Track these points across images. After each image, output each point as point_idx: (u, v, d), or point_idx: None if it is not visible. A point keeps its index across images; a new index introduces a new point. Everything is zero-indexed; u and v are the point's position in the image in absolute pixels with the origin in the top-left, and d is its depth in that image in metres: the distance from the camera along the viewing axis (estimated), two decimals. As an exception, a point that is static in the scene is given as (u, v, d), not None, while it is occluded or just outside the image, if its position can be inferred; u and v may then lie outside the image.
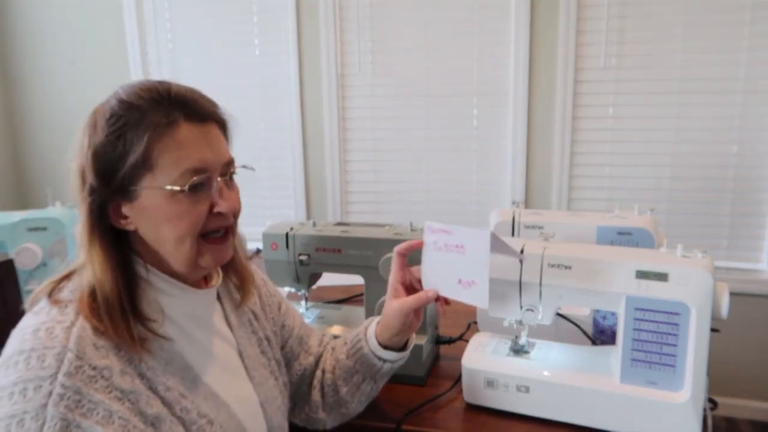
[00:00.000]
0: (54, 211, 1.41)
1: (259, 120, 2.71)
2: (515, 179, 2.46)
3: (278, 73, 2.64)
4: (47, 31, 2.85)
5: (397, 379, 1.07)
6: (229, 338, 0.82)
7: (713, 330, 0.85)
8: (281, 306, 0.96)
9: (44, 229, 1.36)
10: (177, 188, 0.68)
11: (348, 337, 0.95)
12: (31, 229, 1.36)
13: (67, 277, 0.72)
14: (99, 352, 0.63)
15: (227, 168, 0.75)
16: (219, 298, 0.84)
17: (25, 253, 1.34)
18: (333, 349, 0.97)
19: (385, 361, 0.89)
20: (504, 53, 2.40)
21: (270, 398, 0.84)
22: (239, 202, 0.77)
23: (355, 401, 0.92)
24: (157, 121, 0.67)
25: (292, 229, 1.15)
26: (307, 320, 1.20)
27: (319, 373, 0.95)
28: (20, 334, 0.64)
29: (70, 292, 0.69)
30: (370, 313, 1.10)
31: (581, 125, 2.37)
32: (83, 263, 0.70)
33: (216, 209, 0.72)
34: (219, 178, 0.72)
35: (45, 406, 0.58)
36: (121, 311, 0.67)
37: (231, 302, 0.85)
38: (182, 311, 0.75)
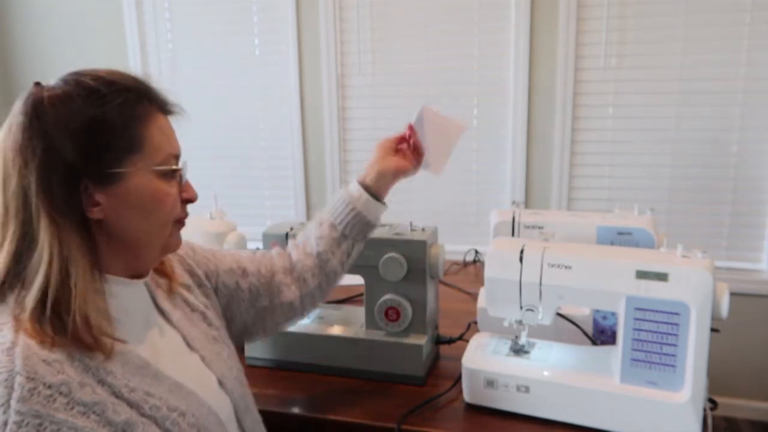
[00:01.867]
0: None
1: (259, 120, 2.71)
2: (515, 179, 2.46)
3: (278, 73, 2.64)
4: (47, 32, 2.85)
5: (397, 379, 1.08)
6: (170, 329, 0.80)
7: (713, 330, 0.85)
8: (212, 261, 0.93)
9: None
10: (166, 168, 0.70)
11: (313, 226, 0.98)
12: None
13: None
14: (52, 368, 0.58)
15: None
16: (148, 288, 0.80)
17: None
18: (292, 254, 0.99)
19: (376, 213, 0.97)
20: (504, 53, 2.40)
21: (225, 371, 0.83)
22: None
23: (338, 269, 0.98)
24: (144, 104, 0.68)
25: (292, 229, 1.15)
26: (307, 320, 1.19)
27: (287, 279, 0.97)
28: None
29: None
30: (370, 313, 1.10)
31: (581, 125, 2.37)
32: (16, 271, 0.63)
33: (185, 195, 0.75)
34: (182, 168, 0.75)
35: None
36: (83, 315, 0.62)
37: (159, 290, 0.81)
38: (124, 308, 0.71)
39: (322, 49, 2.55)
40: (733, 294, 0.89)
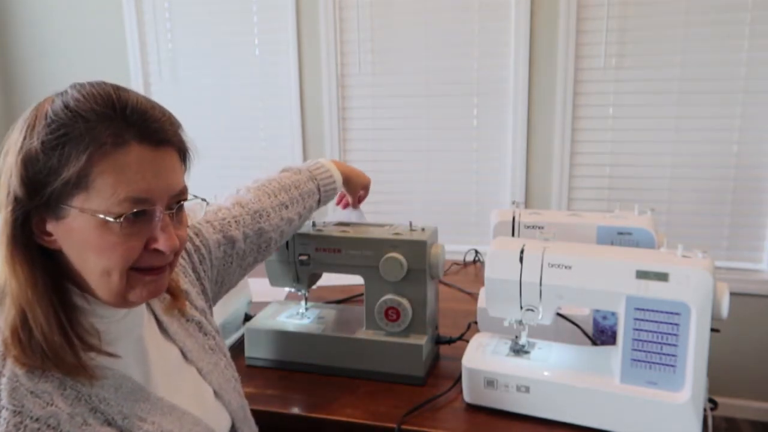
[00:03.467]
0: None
1: (259, 120, 2.71)
2: (515, 179, 2.46)
3: (278, 73, 2.64)
4: (47, 32, 2.85)
5: (397, 379, 1.07)
6: (167, 342, 0.78)
7: (713, 330, 0.85)
8: (201, 243, 0.89)
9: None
10: (110, 219, 0.59)
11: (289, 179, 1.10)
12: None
13: None
14: (41, 400, 0.57)
15: (176, 198, 0.66)
16: (148, 305, 0.78)
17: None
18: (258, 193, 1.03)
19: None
20: (504, 53, 2.40)
21: (222, 383, 0.82)
22: (184, 238, 0.69)
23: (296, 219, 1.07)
24: (104, 138, 0.59)
25: (292, 229, 1.15)
26: (306, 320, 1.19)
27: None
28: None
29: None
30: (370, 313, 1.10)
31: (581, 125, 2.37)
32: (3, 289, 0.61)
33: (153, 245, 0.63)
34: (163, 211, 0.64)
35: None
36: (61, 335, 0.60)
37: (159, 304, 0.79)
38: (118, 330, 0.69)
39: (322, 49, 2.55)
40: (733, 294, 0.89)
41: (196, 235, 0.89)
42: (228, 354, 0.89)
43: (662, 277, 0.84)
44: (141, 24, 2.75)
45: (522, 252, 0.94)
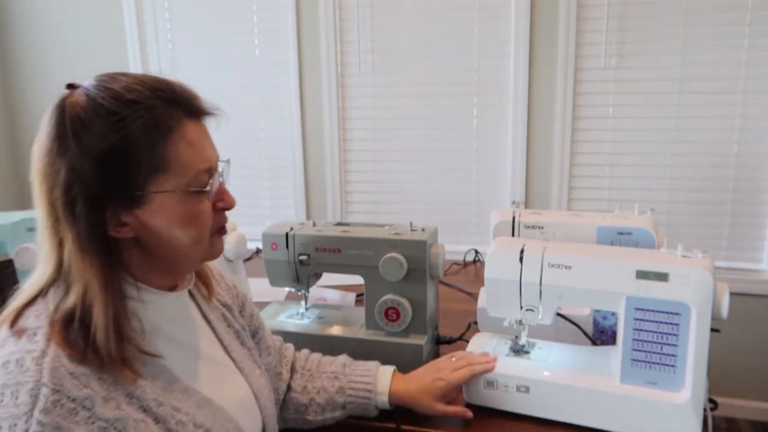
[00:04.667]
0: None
1: (259, 120, 2.71)
2: (515, 179, 2.46)
3: (278, 73, 2.64)
4: (47, 31, 2.85)
5: (397, 379, 1.07)
6: (212, 336, 0.82)
7: (713, 330, 0.85)
8: (245, 302, 0.96)
9: (44, 229, 1.36)
10: (192, 189, 0.67)
11: (339, 369, 0.96)
12: (31, 229, 1.36)
13: (29, 303, 0.65)
14: (78, 382, 0.59)
15: (218, 162, 0.73)
16: (192, 297, 0.82)
17: (24, 253, 1.34)
18: (308, 370, 0.98)
19: (379, 409, 0.93)
20: (504, 53, 2.40)
21: (260, 387, 0.84)
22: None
23: (314, 424, 0.94)
24: (166, 121, 0.64)
25: (292, 229, 1.15)
26: (306, 321, 1.20)
27: (284, 386, 0.96)
28: None
29: (35, 317, 0.63)
30: (370, 313, 1.10)
31: (581, 125, 2.37)
32: (59, 278, 0.64)
33: (220, 205, 0.72)
34: (218, 175, 0.72)
35: None
36: (113, 334, 0.62)
37: (203, 299, 0.84)
38: (164, 316, 0.72)
39: (322, 49, 2.55)
40: (733, 294, 0.89)
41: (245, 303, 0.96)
42: (263, 367, 0.90)
43: (662, 277, 0.84)
44: (141, 24, 2.74)
45: (522, 252, 0.94)
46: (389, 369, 0.96)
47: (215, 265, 0.92)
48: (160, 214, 0.66)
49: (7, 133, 2.96)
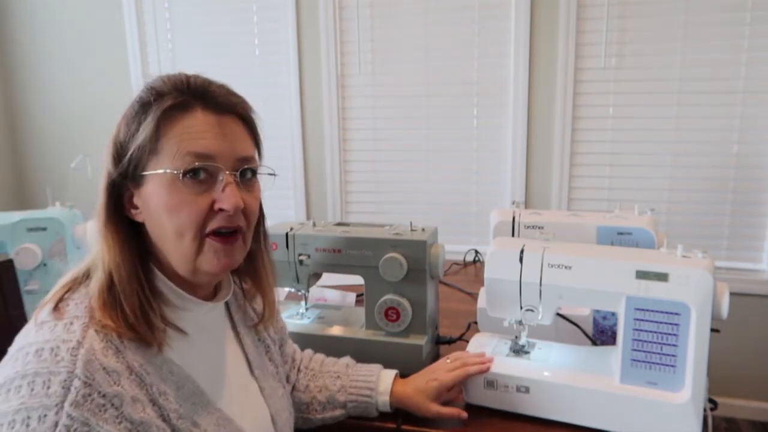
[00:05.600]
0: (54, 211, 1.41)
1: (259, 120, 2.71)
2: (515, 179, 2.46)
3: (278, 73, 2.64)
4: (47, 32, 2.85)
5: (397, 379, 1.07)
6: (239, 350, 0.81)
7: (713, 330, 0.85)
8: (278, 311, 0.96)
9: (44, 229, 1.36)
10: (175, 172, 0.65)
11: (341, 369, 0.97)
12: (30, 230, 1.36)
13: (71, 288, 0.67)
14: (110, 378, 0.58)
15: (242, 164, 0.70)
16: (227, 308, 0.82)
17: (24, 254, 1.34)
18: (311, 369, 0.99)
19: (380, 412, 0.93)
20: (504, 53, 2.40)
21: (279, 410, 0.84)
22: (252, 208, 0.71)
23: (315, 422, 0.94)
24: (171, 106, 0.66)
25: (292, 229, 1.15)
26: (306, 321, 1.20)
27: (289, 388, 0.96)
28: (22, 354, 0.58)
29: (75, 305, 0.64)
30: (370, 313, 1.10)
31: (581, 125, 2.37)
32: (95, 259, 0.67)
33: (217, 205, 0.67)
34: (229, 173, 0.68)
35: None
36: (140, 296, 0.65)
37: (239, 312, 0.83)
38: (194, 325, 0.72)
39: (322, 49, 2.55)
40: (733, 294, 0.89)
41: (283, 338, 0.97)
42: (287, 387, 0.91)
43: (662, 277, 0.84)
44: (141, 24, 2.74)
45: (522, 252, 0.94)
46: (391, 372, 0.97)
47: None
48: (153, 196, 0.66)
49: (7, 133, 2.96)
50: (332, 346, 1.10)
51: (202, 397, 0.69)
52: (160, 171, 0.65)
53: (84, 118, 2.85)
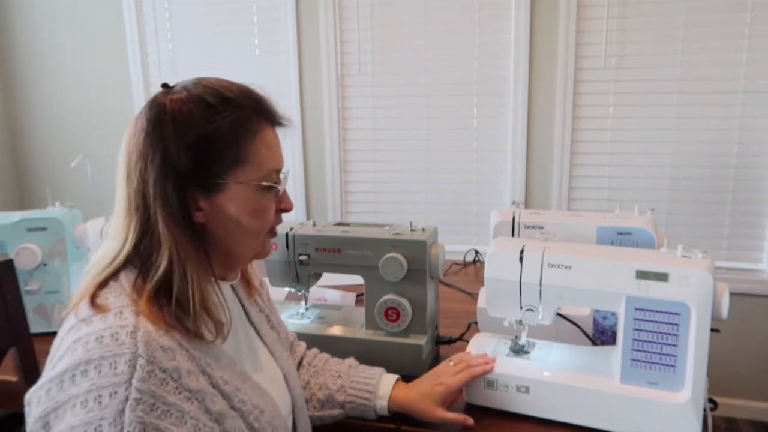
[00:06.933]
0: (54, 211, 1.41)
1: (259, 120, 2.71)
2: (515, 179, 2.46)
3: (278, 73, 2.64)
4: (47, 32, 2.85)
5: (397, 379, 1.07)
6: (247, 321, 0.87)
7: (713, 330, 0.85)
8: (263, 284, 1.00)
9: (44, 229, 1.36)
10: (264, 184, 0.74)
11: (344, 369, 0.98)
12: (30, 229, 1.36)
13: (103, 283, 0.70)
14: (167, 354, 0.63)
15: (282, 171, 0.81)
16: (233, 287, 0.87)
17: (24, 253, 1.34)
18: (314, 366, 1.01)
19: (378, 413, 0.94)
20: (504, 53, 2.40)
21: (290, 370, 0.89)
22: None
23: (313, 420, 0.95)
24: (254, 122, 0.73)
25: (291, 229, 1.15)
26: (306, 321, 1.20)
27: None
28: (81, 343, 0.62)
29: (115, 297, 0.67)
30: (370, 313, 1.10)
31: (581, 125, 2.37)
32: (135, 255, 0.69)
33: (281, 206, 0.80)
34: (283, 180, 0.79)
35: (122, 411, 0.57)
36: (200, 303, 0.69)
37: (241, 289, 0.89)
38: (218, 304, 0.77)
39: (322, 49, 2.55)
40: (733, 294, 0.89)
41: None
42: (289, 350, 0.96)
43: (662, 277, 0.84)
44: (141, 24, 2.74)
45: (522, 252, 0.94)
46: (393, 376, 0.97)
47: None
48: (233, 202, 0.72)
49: (7, 133, 2.96)
50: (332, 346, 1.10)
51: (236, 366, 0.75)
52: (247, 182, 0.73)
53: (84, 118, 2.85)
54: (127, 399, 0.58)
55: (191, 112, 0.69)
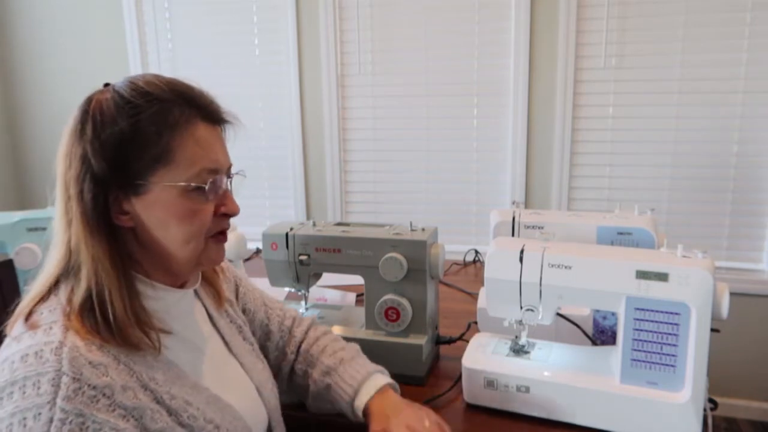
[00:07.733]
0: (54, 211, 1.41)
1: (259, 120, 2.71)
2: (515, 179, 2.46)
3: (278, 72, 2.64)
4: (47, 32, 2.85)
5: (397, 379, 1.07)
6: (214, 332, 0.83)
7: (713, 330, 0.85)
8: (238, 284, 0.97)
9: (44, 229, 1.36)
10: (193, 185, 0.67)
11: (335, 364, 0.93)
12: (30, 229, 1.36)
13: (42, 299, 0.67)
14: (97, 371, 0.60)
15: (229, 171, 0.75)
16: (198, 295, 0.84)
17: (24, 253, 1.34)
18: (310, 355, 0.97)
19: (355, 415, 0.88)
20: (504, 53, 2.40)
21: (263, 381, 0.86)
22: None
23: (313, 409, 0.95)
24: (179, 118, 0.67)
25: (292, 229, 1.15)
26: (307, 320, 1.19)
27: (287, 368, 0.98)
28: (8, 364, 0.60)
29: (49, 312, 0.64)
30: (370, 313, 1.10)
31: (581, 125, 2.37)
32: (68, 266, 0.66)
33: (223, 210, 0.72)
34: (226, 181, 0.73)
35: None
36: (127, 311, 0.65)
37: (209, 298, 0.85)
38: (171, 313, 0.73)
39: (322, 50, 2.55)
40: (733, 294, 0.89)
41: (255, 299, 0.98)
42: (266, 362, 0.91)
43: (662, 277, 0.84)
44: (141, 24, 2.74)
45: (522, 252, 0.94)
46: (380, 382, 0.88)
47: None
48: (158, 205, 0.67)
49: (7, 133, 2.96)
50: (332, 346, 1.10)
51: (188, 379, 0.71)
52: (173, 183, 0.66)
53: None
54: (51, 420, 0.55)
55: (110, 109, 0.65)
